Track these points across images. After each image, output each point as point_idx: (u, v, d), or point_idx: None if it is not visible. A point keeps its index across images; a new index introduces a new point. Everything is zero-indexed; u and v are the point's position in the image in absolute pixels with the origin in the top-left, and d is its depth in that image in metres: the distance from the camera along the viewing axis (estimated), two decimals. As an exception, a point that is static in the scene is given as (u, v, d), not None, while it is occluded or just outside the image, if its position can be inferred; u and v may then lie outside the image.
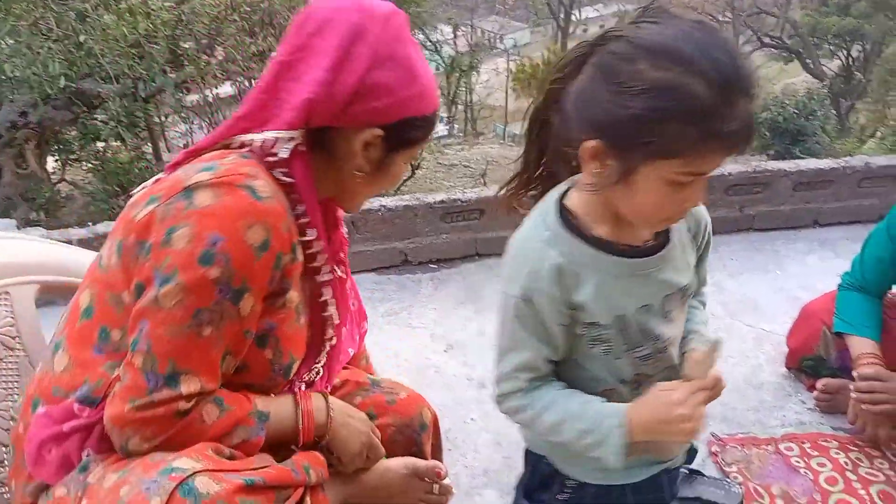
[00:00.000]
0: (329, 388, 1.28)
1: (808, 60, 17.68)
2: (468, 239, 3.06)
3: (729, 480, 1.90)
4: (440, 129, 16.55)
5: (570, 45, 19.66)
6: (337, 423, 1.17)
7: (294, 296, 1.08)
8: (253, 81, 10.07)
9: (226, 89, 11.43)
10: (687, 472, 1.90)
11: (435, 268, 3.04)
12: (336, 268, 1.19)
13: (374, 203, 3.00)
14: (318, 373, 1.22)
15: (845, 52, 18.02)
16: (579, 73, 0.96)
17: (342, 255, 1.25)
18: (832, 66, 18.50)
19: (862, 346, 1.95)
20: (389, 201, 3.05)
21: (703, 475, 1.90)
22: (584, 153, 0.94)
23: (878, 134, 15.10)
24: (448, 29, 18.99)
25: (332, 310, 1.17)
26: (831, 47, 18.55)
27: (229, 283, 0.95)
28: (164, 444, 0.97)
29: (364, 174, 1.09)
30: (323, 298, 1.15)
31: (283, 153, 1.01)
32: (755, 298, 2.80)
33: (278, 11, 9.52)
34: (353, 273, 1.33)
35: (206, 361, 0.98)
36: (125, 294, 1.01)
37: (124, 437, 0.96)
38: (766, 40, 18.82)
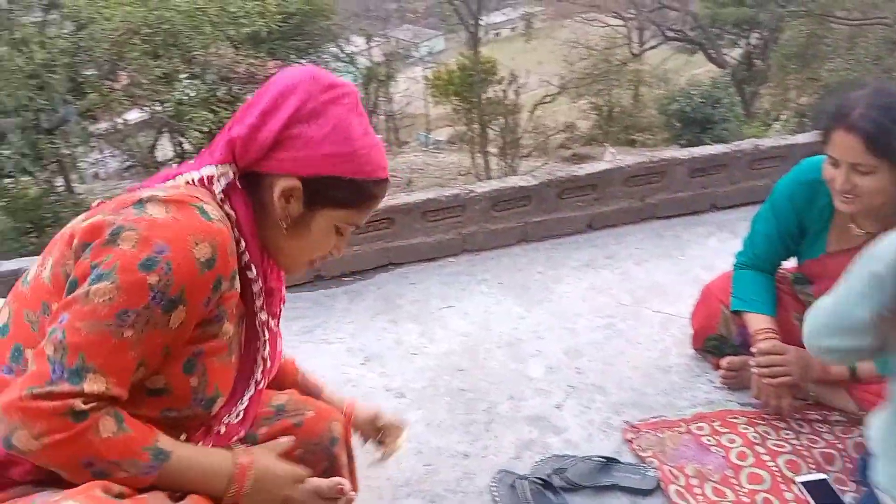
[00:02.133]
0: (244, 433, 1.26)
1: (710, 51, 18.35)
2: (380, 249, 3.04)
3: (644, 465, 1.94)
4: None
5: (483, 49, 19.99)
6: (251, 489, 1.11)
7: (229, 329, 1.09)
8: (163, 106, 9.85)
9: (134, 115, 11.11)
10: (604, 460, 1.94)
11: (349, 280, 3.01)
12: (270, 320, 1.21)
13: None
14: (238, 416, 1.20)
15: (745, 41, 18.81)
16: None
17: (278, 311, 1.27)
18: (734, 54, 19.26)
19: (758, 322, 2.02)
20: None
21: (620, 462, 1.95)
22: None
23: (783, 117, 15.83)
24: (362, 40, 18.96)
25: (266, 352, 1.19)
26: (732, 37, 19.33)
27: (165, 291, 0.96)
28: (51, 451, 0.93)
29: (287, 228, 1.13)
30: (259, 340, 1.18)
31: (219, 186, 1.08)
32: (661, 284, 2.87)
33: (181, 31, 9.32)
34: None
35: (119, 363, 0.96)
36: (50, 306, 1.00)
37: (11, 426, 0.93)
38: (670, 34, 19.49)
